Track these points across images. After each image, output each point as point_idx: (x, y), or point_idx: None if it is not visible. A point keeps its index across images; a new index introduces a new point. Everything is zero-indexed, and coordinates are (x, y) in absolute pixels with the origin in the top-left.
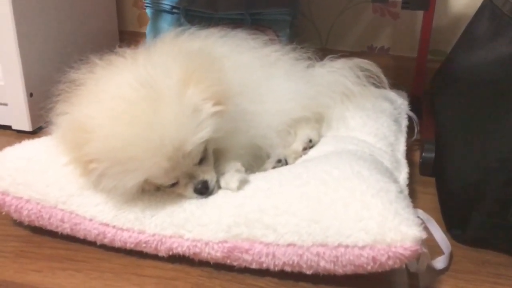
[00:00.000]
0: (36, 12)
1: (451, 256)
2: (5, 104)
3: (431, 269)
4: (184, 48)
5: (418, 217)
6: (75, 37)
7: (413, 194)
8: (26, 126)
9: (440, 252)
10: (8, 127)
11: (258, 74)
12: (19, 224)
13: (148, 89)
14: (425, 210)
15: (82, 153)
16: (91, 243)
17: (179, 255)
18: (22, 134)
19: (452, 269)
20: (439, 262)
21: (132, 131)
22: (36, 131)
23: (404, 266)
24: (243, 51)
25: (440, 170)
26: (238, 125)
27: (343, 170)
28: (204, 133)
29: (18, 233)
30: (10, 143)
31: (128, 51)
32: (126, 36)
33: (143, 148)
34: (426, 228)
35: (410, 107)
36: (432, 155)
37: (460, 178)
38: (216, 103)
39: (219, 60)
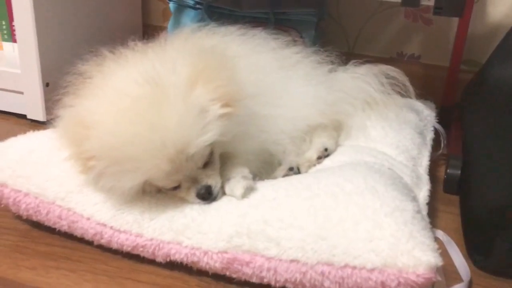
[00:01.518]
0: (56, 2)
1: (470, 285)
2: (21, 93)
3: None
4: (198, 45)
5: (437, 238)
6: (96, 29)
7: (434, 212)
8: (41, 116)
9: (458, 278)
10: (23, 116)
11: (275, 76)
12: (18, 217)
13: (153, 86)
14: (446, 231)
15: (81, 149)
16: (89, 242)
17: (179, 263)
18: (37, 124)
19: None
20: None
21: (133, 129)
22: (50, 122)
23: None
24: (262, 51)
25: (465, 188)
26: (248, 129)
27: (357, 184)
28: (209, 136)
29: (16, 226)
30: (23, 132)
31: (139, 45)
32: (150, 30)
33: (143, 149)
34: (445, 251)
35: (438, 119)
36: (458, 172)
37: (485, 199)
38: (225, 105)
39: (232, 60)
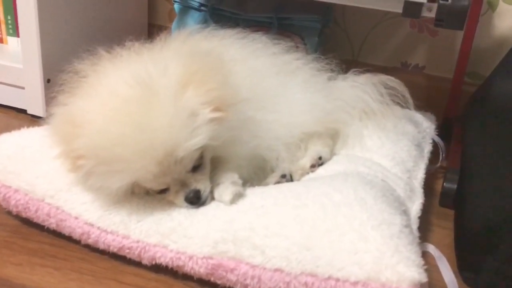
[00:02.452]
0: None
1: None
2: (22, 88)
3: None
4: (195, 47)
5: (428, 253)
6: (101, 28)
7: (429, 226)
8: (41, 111)
9: None
10: (24, 111)
11: (272, 81)
12: (9, 213)
13: (144, 88)
14: (438, 245)
15: (71, 147)
16: (77, 241)
17: (163, 266)
18: (36, 119)
19: None
20: None
21: (121, 130)
22: (45, 119)
23: None
24: (260, 56)
25: (460, 204)
26: (240, 134)
27: (346, 195)
28: (198, 140)
29: (6, 222)
30: (22, 127)
31: (136, 45)
32: (156, 30)
33: (131, 150)
34: (435, 266)
35: (440, 131)
36: (454, 186)
37: (479, 216)
38: (216, 109)
39: (228, 63)
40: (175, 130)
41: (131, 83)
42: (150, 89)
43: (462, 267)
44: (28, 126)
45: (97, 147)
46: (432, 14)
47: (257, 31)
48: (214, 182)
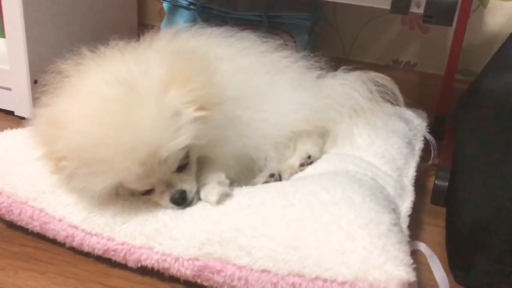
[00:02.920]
0: None
1: None
2: (9, 89)
3: None
4: (180, 46)
5: (419, 251)
6: (89, 28)
7: (420, 224)
8: (28, 113)
9: None
10: (11, 113)
11: (260, 80)
12: None
13: (126, 87)
14: (430, 244)
15: (53, 149)
16: (62, 244)
17: (151, 268)
18: (24, 121)
19: None
20: None
21: (103, 131)
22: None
23: None
24: (248, 54)
25: (451, 201)
26: (226, 133)
27: (333, 194)
28: (182, 140)
29: None
30: (10, 128)
31: (121, 44)
32: (146, 30)
33: (113, 150)
34: (426, 265)
35: (432, 129)
36: (446, 183)
37: (469, 213)
38: (199, 108)
39: (213, 62)
40: (158, 130)
41: (112, 83)
42: (132, 88)
43: (453, 266)
44: (14, 128)
45: (79, 148)
46: (421, 10)
47: (246, 29)
48: (200, 182)
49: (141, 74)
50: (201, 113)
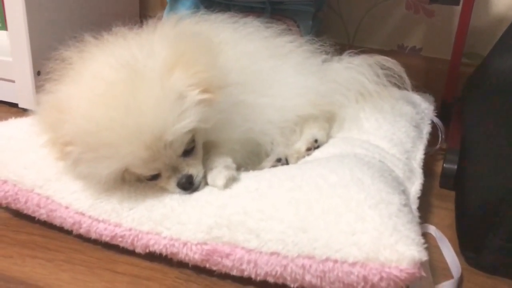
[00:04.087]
0: None
1: (460, 282)
2: (13, 81)
3: None
4: (183, 31)
5: (429, 234)
6: (91, 19)
7: (429, 208)
8: (32, 104)
9: (449, 275)
10: (15, 105)
11: (265, 65)
12: None
13: (129, 70)
14: (439, 227)
15: (57, 134)
16: (69, 232)
17: (159, 254)
18: (28, 112)
19: None
20: (445, 287)
21: (108, 114)
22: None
23: None
24: (252, 39)
25: (460, 184)
26: (231, 117)
27: (342, 176)
28: (187, 123)
29: None
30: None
31: (123, 30)
32: (148, 19)
33: (118, 134)
34: (437, 247)
35: (439, 113)
36: (454, 166)
37: (480, 194)
38: (204, 91)
39: (218, 45)
40: (162, 113)
41: (116, 67)
42: (136, 71)
43: (464, 247)
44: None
45: (83, 132)
46: None
47: (248, 16)
48: (207, 167)
49: (145, 57)
50: (205, 96)
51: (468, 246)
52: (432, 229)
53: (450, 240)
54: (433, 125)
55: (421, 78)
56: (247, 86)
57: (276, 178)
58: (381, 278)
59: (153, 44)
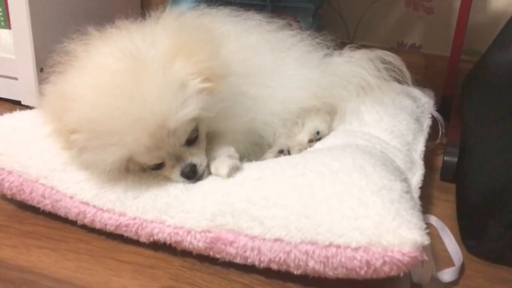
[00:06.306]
0: None
1: (462, 269)
2: (16, 79)
3: (436, 281)
4: (186, 23)
5: (431, 224)
6: (93, 15)
7: (430, 199)
8: (35, 102)
9: (450, 264)
10: (18, 102)
11: (266, 57)
12: (4, 198)
13: (131, 59)
14: (440, 217)
15: (63, 123)
16: (73, 223)
17: (163, 243)
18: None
19: (462, 284)
20: (447, 275)
21: (112, 102)
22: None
23: (408, 275)
24: (254, 33)
25: (461, 175)
26: (234, 107)
27: (344, 163)
28: (189, 111)
29: (2, 207)
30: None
31: (126, 23)
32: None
33: (122, 122)
34: (438, 237)
35: (438, 108)
36: (455, 159)
37: (481, 184)
38: (205, 80)
39: (220, 37)
40: (164, 101)
41: (119, 56)
42: (138, 60)
43: (465, 236)
44: None
45: (88, 120)
46: None
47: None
48: (210, 156)
49: (147, 47)
50: (207, 85)
51: (469, 235)
52: (433, 219)
53: (451, 230)
54: (434, 120)
55: (421, 76)
56: (249, 77)
57: (278, 167)
58: (384, 262)
59: (156, 35)
